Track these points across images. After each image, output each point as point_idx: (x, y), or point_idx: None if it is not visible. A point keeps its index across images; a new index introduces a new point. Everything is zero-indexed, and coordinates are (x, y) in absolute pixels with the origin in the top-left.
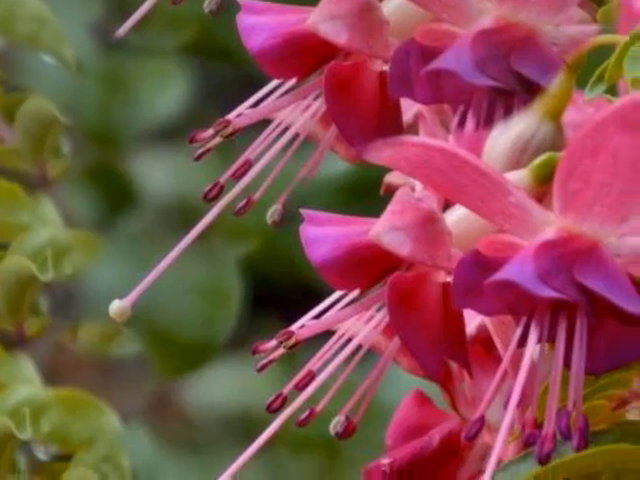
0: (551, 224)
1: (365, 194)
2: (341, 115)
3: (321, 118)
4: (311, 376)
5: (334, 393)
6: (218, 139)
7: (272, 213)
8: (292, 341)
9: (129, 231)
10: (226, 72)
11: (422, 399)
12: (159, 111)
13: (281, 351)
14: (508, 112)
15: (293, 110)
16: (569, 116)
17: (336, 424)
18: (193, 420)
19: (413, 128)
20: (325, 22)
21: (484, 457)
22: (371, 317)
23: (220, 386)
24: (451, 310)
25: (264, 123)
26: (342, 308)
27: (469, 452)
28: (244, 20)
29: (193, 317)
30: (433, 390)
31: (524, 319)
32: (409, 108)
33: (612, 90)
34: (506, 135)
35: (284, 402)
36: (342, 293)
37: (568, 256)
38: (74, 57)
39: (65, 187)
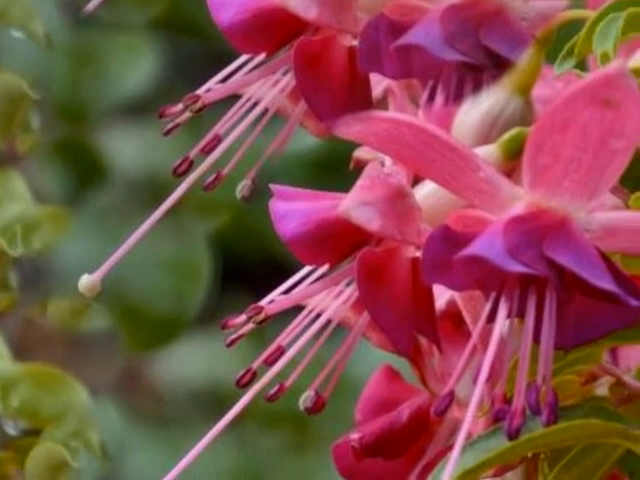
0: (520, 199)
1: (334, 169)
2: (310, 90)
3: (290, 93)
4: (280, 351)
5: (303, 368)
6: (187, 114)
7: (241, 188)
8: (261, 316)
9: (98, 206)
10: (195, 47)
11: (391, 374)
12: (128, 86)
13: (250, 326)
14: (477, 87)
15: (262, 85)
16: (538, 91)
17: (305, 399)
18: (162, 395)
19: (382, 103)
20: None
21: (453, 432)
22: (340, 292)
23: (189, 361)
24: (420, 285)
25: (233, 98)
26: (311, 283)
27: (438, 427)
28: None
29: (162, 292)
30: (402, 365)
31: (493, 294)
32: (378, 83)
33: (581, 65)
34: (475, 110)
35: (253, 377)
36: (311, 268)
37: (537, 231)
38: (43, 32)
39: (34, 162)
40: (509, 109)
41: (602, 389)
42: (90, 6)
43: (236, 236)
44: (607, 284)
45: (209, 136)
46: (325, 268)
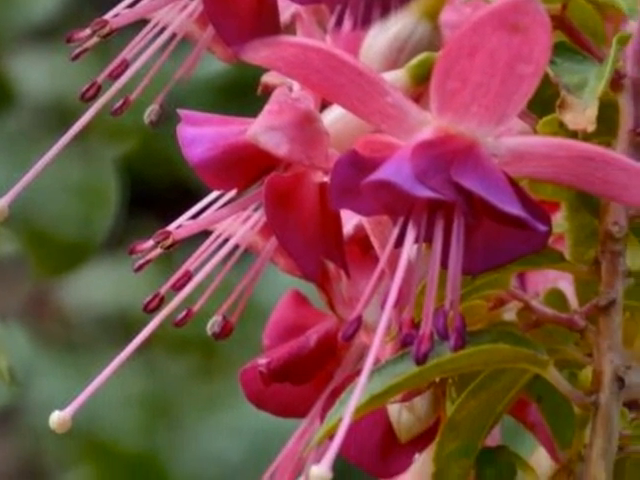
0: (428, 124)
1: (242, 94)
2: (218, 15)
3: (198, 18)
4: (188, 276)
5: (211, 293)
6: (95, 39)
7: (149, 113)
8: (169, 241)
9: (6, 131)
10: None
11: (299, 299)
12: (36, 11)
13: (158, 251)
14: (385, 12)
15: (170, 10)
16: (446, 16)
17: (213, 324)
18: (70, 320)
19: (290, 28)
20: None
21: (361, 357)
22: (248, 217)
23: (97, 286)
24: (328, 210)
25: (141, 23)
26: (219, 208)
27: (346, 352)
28: None
29: (70, 217)
30: (310, 290)
31: (401, 219)
32: (286, 8)
33: None
34: (383, 35)
35: (161, 302)
36: (219, 193)
37: (445, 156)
38: None
39: None
40: (417, 34)
41: (510, 314)
42: None
43: (144, 161)
44: (515, 209)
45: (117, 61)
46: (233, 193)
